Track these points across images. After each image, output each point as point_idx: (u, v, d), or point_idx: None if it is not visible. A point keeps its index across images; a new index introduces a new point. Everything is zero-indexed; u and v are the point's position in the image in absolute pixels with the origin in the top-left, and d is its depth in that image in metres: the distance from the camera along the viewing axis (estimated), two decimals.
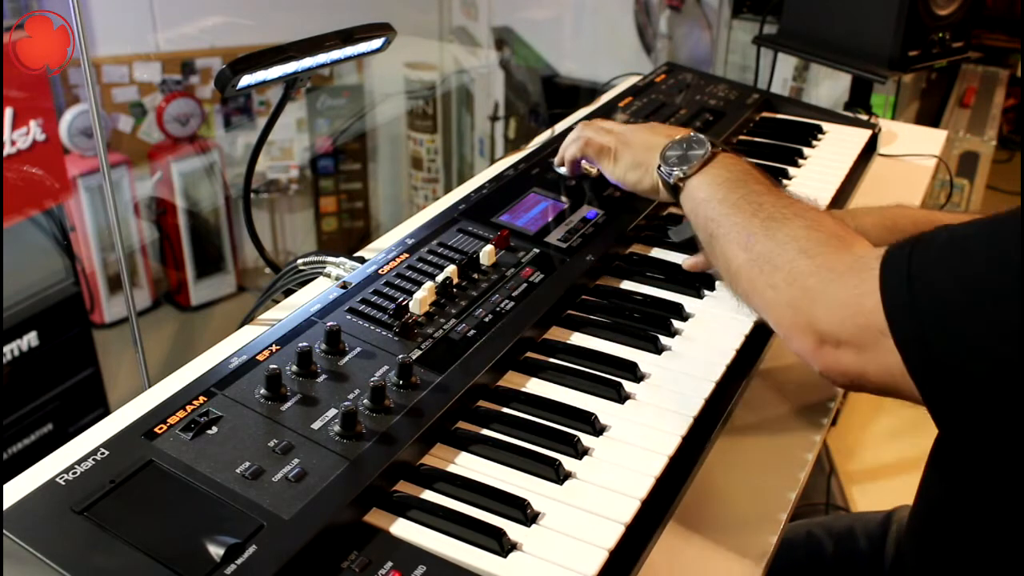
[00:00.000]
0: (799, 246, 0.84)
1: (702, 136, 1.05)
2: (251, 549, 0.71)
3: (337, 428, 0.82)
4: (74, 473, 0.75)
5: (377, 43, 1.35)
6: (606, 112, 1.55)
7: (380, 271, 1.06)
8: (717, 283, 1.15)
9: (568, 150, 1.25)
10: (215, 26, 3.27)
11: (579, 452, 0.87)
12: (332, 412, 0.84)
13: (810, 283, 0.81)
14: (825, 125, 1.65)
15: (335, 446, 0.81)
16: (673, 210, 1.35)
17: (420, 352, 0.94)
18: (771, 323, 0.87)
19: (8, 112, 2.22)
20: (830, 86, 2.99)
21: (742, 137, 1.60)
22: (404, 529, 0.78)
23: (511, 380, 0.98)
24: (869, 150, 1.63)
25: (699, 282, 1.14)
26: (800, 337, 0.81)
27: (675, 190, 1.03)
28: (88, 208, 3.08)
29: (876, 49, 1.88)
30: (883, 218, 1.07)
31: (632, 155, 1.14)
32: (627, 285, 1.16)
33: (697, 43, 3.38)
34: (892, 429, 2.78)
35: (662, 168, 1.05)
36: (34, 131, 2.30)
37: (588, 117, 1.53)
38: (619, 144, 1.16)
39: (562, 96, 3.44)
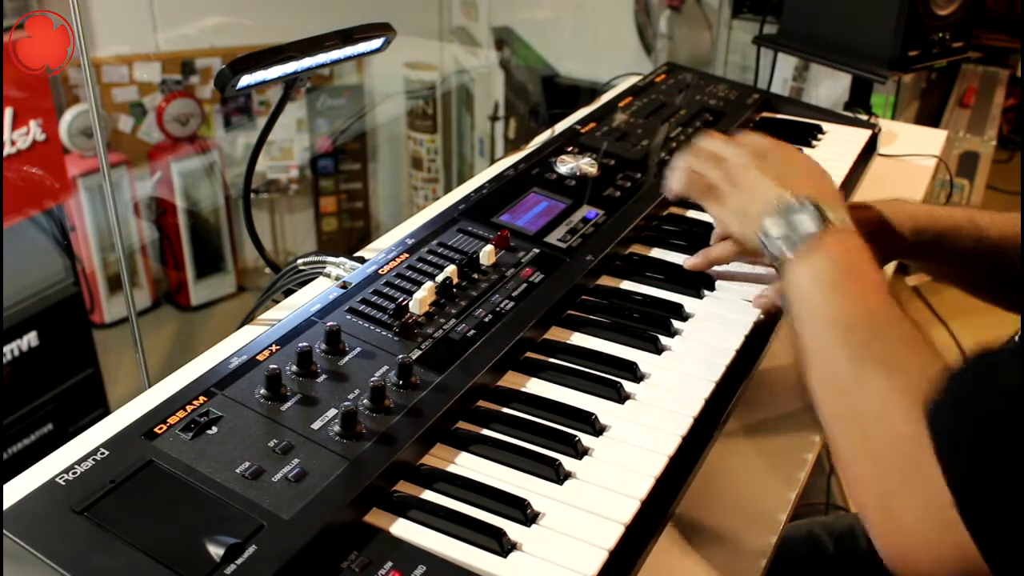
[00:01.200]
0: (881, 438, 0.74)
1: (816, 208, 0.89)
2: (251, 549, 0.71)
3: (337, 428, 0.82)
4: (74, 473, 0.75)
5: (377, 43, 1.35)
6: (606, 112, 1.54)
7: (380, 271, 1.06)
8: (717, 283, 1.15)
9: (673, 181, 1.05)
10: (215, 26, 3.27)
11: (579, 452, 0.87)
12: (332, 412, 0.84)
13: (891, 503, 0.72)
14: (825, 125, 1.65)
15: (335, 446, 0.81)
16: (674, 210, 1.35)
17: (420, 352, 0.94)
18: (845, 489, 0.80)
19: (8, 112, 2.22)
20: (830, 86, 2.99)
21: None
22: (404, 529, 0.78)
23: (511, 380, 0.98)
24: (869, 150, 1.63)
25: (699, 282, 1.14)
26: (878, 537, 0.73)
27: (777, 261, 0.91)
28: (88, 208, 3.07)
29: (876, 49, 1.88)
30: (890, 213, 1.06)
31: (738, 201, 0.98)
32: (627, 285, 1.16)
33: (697, 43, 3.38)
34: None
35: (763, 239, 0.92)
36: (34, 131, 2.30)
37: (588, 117, 1.53)
38: (727, 184, 0.99)
39: (562, 96, 3.44)
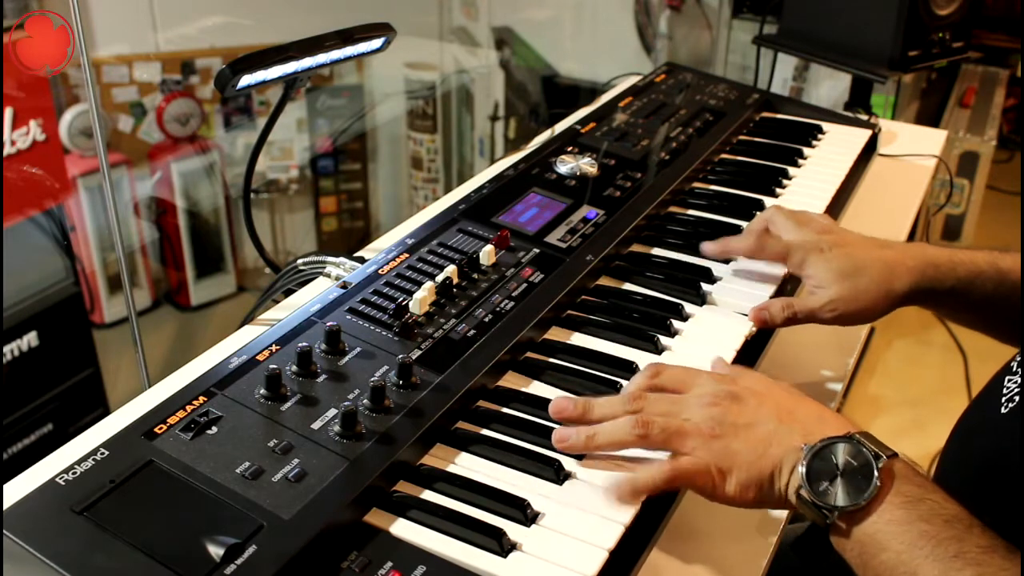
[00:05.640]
0: None
1: (863, 444, 0.77)
2: (251, 549, 0.71)
3: (337, 428, 0.82)
4: (74, 473, 0.75)
5: (377, 43, 1.35)
6: (606, 112, 1.54)
7: (380, 271, 1.06)
8: (718, 283, 1.15)
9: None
10: (215, 26, 3.27)
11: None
12: (332, 412, 0.84)
13: None
14: (825, 125, 1.65)
15: (335, 446, 0.81)
16: (674, 209, 1.35)
17: (420, 352, 0.94)
18: None
19: (8, 112, 2.22)
20: (830, 86, 2.99)
21: (742, 137, 1.60)
22: (404, 529, 0.78)
23: (511, 380, 0.98)
24: (869, 150, 1.64)
25: (699, 282, 1.14)
26: None
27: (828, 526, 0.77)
28: (88, 208, 3.07)
29: (876, 49, 1.88)
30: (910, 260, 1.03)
31: (747, 472, 0.80)
32: (627, 285, 1.16)
33: (697, 43, 3.38)
34: (893, 429, 2.78)
35: (810, 497, 0.76)
36: (34, 131, 2.30)
37: (588, 117, 1.52)
38: (721, 458, 0.80)
39: (562, 96, 3.44)
